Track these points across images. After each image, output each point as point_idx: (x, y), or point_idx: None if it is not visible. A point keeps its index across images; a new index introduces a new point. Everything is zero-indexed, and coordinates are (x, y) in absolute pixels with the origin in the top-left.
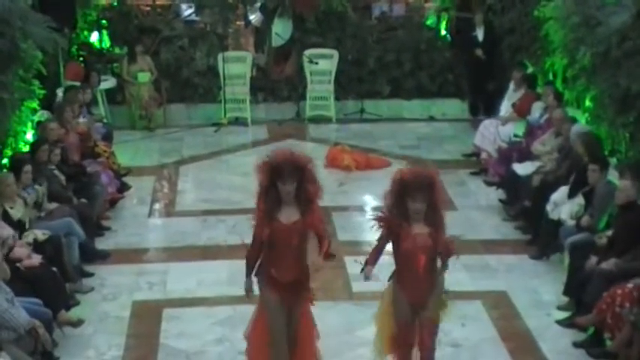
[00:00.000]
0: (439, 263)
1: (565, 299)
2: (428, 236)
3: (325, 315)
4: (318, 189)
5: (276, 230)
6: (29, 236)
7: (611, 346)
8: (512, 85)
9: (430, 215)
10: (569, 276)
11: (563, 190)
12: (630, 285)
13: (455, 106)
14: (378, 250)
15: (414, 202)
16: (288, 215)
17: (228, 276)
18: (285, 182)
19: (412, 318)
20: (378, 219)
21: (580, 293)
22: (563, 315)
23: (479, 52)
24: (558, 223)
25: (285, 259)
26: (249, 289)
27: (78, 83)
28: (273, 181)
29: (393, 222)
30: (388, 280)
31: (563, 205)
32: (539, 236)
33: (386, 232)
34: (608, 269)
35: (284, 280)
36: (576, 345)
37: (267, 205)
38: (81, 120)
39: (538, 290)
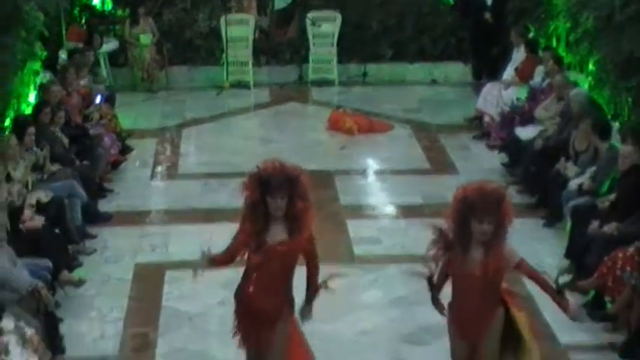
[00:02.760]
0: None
1: (566, 263)
2: (483, 261)
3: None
4: (310, 205)
5: (262, 251)
6: (32, 198)
7: (611, 309)
8: (515, 48)
9: (492, 238)
10: (570, 240)
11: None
12: (631, 249)
13: (457, 70)
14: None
15: (480, 223)
16: (274, 234)
17: (230, 239)
18: (276, 196)
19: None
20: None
21: (581, 257)
22: (565, 279)
23: (487, 15)
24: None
25: (267, 282)
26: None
27: (80, 45)
28: (262, 195)
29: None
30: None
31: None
32: (549, 203)
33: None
34: (610, 233)
35: (265, 304)
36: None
37: (256, 225)
38: (82, 82)
39: (540, 253)
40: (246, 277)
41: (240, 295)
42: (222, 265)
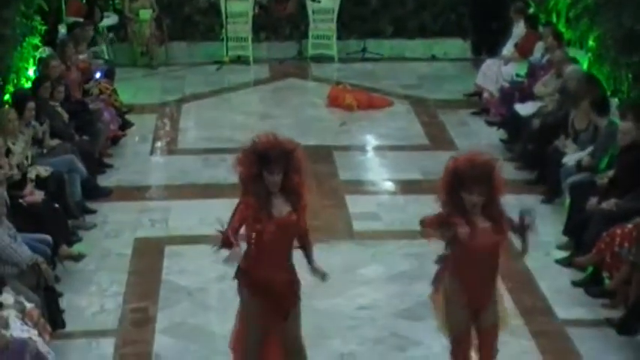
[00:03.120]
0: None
1: (564, 239)
2: (491, 231)
3: (326, 254)
4: (305, 180)
5: (269, 226)
6: (32, 172)
7: (609, 285)
8: (515, 23)
9: (488, 208)
10: (569, 216)
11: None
12: (630, 225)
13: (457, 46)
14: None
15: (470, 194)
16: (279, 207)
17: (229, 214)
18: (273, 171)
19: (469, 324)
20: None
21: (579, 233)
22: (562, 255)
23: None
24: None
25: (276, 257)
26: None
27: (80, 19)
28: (259, 170)
29: (451, 220)
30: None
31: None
32: (548, 179)
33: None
34: (608, 209)
35: (275, 281)
36: (575, 284)
37: (260, 199)
38: (81, 57)
39: (538, 230)
40: (253, 254)
41: (250, 283)
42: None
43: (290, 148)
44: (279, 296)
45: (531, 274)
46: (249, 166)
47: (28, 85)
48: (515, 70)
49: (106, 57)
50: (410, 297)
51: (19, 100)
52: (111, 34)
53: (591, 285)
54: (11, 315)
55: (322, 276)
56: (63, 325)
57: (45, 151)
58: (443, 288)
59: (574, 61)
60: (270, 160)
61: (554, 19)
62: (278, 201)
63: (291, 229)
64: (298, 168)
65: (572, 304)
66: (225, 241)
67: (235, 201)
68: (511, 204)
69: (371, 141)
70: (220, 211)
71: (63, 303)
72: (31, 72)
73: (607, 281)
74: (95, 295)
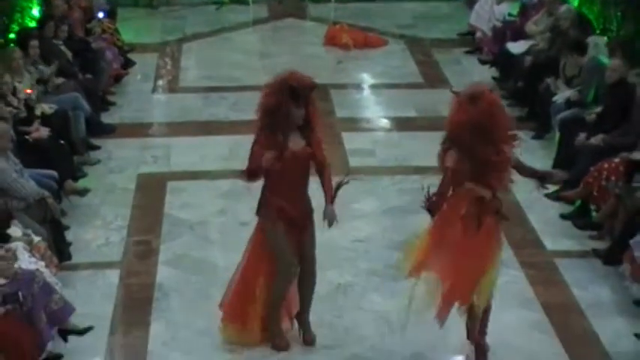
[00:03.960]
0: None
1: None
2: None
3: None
4: (319, 116)
5: (288, 158)
6: (37, 110)
7: (596, 218)
8: None
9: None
10: (558, 151)
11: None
12: (617, 160)
13: None
14: None
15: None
16: (294, 141)
17: (229, 151)
18: (301, 105)
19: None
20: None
21: (568, 167)
22: (552, 188)
23: None
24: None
25: (296, 188)
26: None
27: None
28: (287, 103)
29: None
30: None
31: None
32: (538, 115)
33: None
34: (596, 144)
35: (295, 212)
36: (563, 216)
37: (279, 133)
38: None
39: (529, 164)
40: (272, 197)
41: (274, 213)
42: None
43: (313, 85)
44: (296, 224)
45: (521, 207)
46: (279, 98)
47: (32, 24)
48: (507, 9)
49: None
50: (403, 230)
51: (24, 38)
52: None
53: (579, 217)
54: (19, 247)
55: (330, 222)
56: (69, 257)
57: (50, 89)
58: None
59: (564, 1)
60: (298, 94)
61: None
62: (295, 135)
63: (306, 161)
64: (314, 102)
65: (560, 236)
66: (253, 171)
67: (235, 137)
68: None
69: (367, 79)
70: (220, 147)
71: (69, 236)
72: (35, 11)
73: (594, 214)
74: (100, 229)
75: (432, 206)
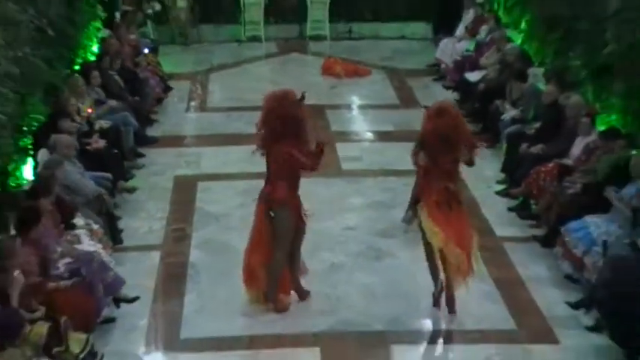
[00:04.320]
0: None
1: (502, 175)
2: None
3: (320, 188)
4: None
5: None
6: (96, 125)
7: (535, 210)
8: (465, 10)
9: None
10: (505, 158)
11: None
12: (551, 164)
13: (421, 28)
14: None
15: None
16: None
17: (246, 157)
18: None
19: None
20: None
21: (514, 171)
22: (500, 187)
23: None
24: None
25: (298, 186)
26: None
27: (131, 8)
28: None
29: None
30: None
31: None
32: (490, 130)
33: None
34: (536, 153)
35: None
36: (509, 209)
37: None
38: (132, 36)
39: (482, 168)
40: (292, 185)
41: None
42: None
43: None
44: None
45: (477, 202)
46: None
47: (92, 58)
48: (465, 46)
49: (152, 36)
50: (385, 220)
51: (86, 69)
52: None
53: (522, 210)
54: (82, 234)
55: None
56: (121, 241)
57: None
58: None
59: (510, 40)
60: None
61: (495, 7)
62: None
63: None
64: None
65: (507, 225)
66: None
67: (250, 147)
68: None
69: (355, 101)
70: (239, 155)
71: (121, 224)
72: (94, 48)
73: (534, 207)
74: (145, 219)
75: (413, 201)
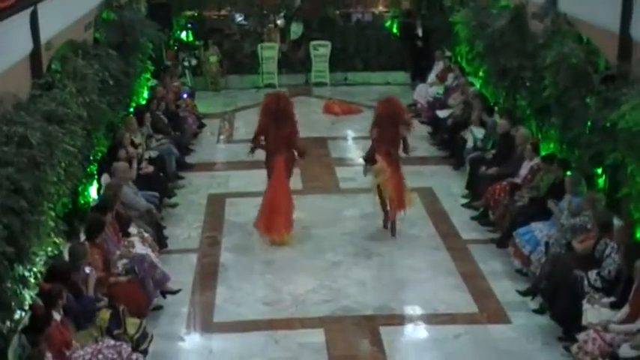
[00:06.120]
0: None
1: (466, 192)
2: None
3: (321, 203)
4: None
5: None
6: (146, 154)
7: (492, 219)
8: (436, 62)
9: None
10: (468, 177)
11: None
12: (504, 182)
13: (402, 76)
14: None
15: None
16: None
17: (263, 180)
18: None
19: None
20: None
21: (475, 188)
22: (464, 201)
23: (419, 42)
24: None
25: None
26: None
27: (174, 62)
28: None
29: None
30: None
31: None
32: (456, 156)
33: None
34: (492, 173)
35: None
36: (472, 218)
37: None
38: (174, 84)
39: (450, 186)
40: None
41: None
42: None
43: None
44: None
45: (446, 212)
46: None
47: (143, 102)
48: (436, 90)
49: (189, 84)
50: (373, 227)
51: (138, 111)
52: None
53: (482, 218)
54: (135, 240)
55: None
56: (166, 245)
57: (154, 141)
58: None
59: (471, 84)
60: None
61: (460, 60)
62: None
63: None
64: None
65: (471, 230)
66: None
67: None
68: (435, 170)
69: (350, 134)
70: (259, 177)
71: (166, 232)
72: (145, 94)
73: (491, 216)
74: (185, 228)
75: (368, 159)
